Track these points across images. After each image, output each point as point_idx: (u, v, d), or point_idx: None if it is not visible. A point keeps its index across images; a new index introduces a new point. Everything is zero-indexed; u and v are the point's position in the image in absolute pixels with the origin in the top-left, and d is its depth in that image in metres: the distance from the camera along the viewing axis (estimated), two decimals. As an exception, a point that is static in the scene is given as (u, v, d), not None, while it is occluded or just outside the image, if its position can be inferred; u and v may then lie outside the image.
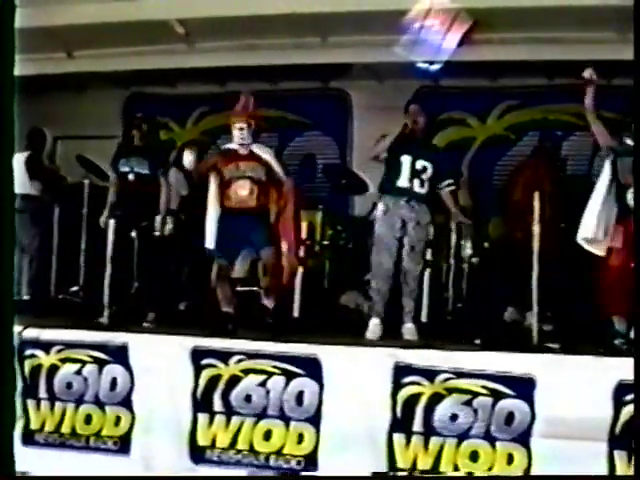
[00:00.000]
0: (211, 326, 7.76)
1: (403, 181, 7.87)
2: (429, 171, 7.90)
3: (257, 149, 8.25)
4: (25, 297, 9.76)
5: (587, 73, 7.28)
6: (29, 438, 7.57)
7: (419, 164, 7.87)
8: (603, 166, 7.37)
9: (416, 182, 7.86)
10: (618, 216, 7.11)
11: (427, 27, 8.55)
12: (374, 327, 7.76)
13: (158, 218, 8.62)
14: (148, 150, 8.90)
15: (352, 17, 9.00)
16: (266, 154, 8.29)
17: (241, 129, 8.18)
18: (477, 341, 7.26)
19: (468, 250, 9.03)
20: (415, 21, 8.49)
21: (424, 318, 8.45)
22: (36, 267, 9.87)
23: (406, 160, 7.88)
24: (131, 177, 8.78)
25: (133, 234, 8.64)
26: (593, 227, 7.15)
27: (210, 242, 8.15)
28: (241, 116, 8.27)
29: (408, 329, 7.76)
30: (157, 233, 8.60)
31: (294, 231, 8.34)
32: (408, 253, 7.78)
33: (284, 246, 8.19)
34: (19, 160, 9.93)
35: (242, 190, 8.05)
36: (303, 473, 6.85)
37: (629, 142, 7.19)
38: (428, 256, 8.50)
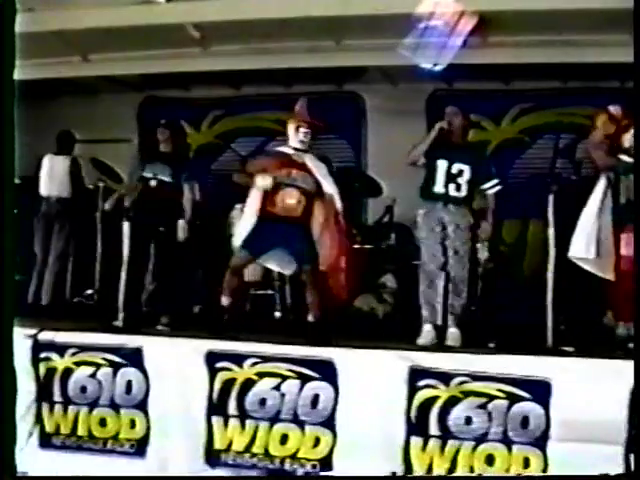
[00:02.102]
0: (209, 320, 7.79)
1: (439, 187, 7.81)
2: (466, 174, 7.82)
3: (311, 162, 8.11)
4: (45, 300, 9.84)
5: (614, 109, 7.29)
6: (46, 441, 7.61)
7: (455, 168, 7.80)
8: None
9: (451, 186, 7.78)
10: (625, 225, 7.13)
11: (440, 30, 8.56)
12: (427, 333, 7.70)
13: (181, 223, 8.62)
14: (172, 156, 8.91)
15: (366, 20, 8.99)
16: (319, 169, 8.15)
17: (305, 134, 8.10)
18: (492, 344, 7.26)
19: (485, 253, 8.99)
20: (428, 24, 8.50)
21: (439, 321, 8.43)
22: (59, 269, 9.96)
23: (442, 165, 7.81)
24: (153, 183, 8.79)
25: (150, 239, 8.67)
26: (583, 246, 7.19)
27: (237, 240, 8.04)
28: (305, 120, 8.17)
29: (452, 334, 7.69)
30: (181, 238, 8.62)
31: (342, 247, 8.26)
32: (453, 256, 7.73)
33: (332, 258, 8.09)
34: (62, 163, 10.06)
35: (290, 199, 7.91)
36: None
37: (627, 160, 7.24)
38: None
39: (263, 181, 7.92)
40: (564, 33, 8.92)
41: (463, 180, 7.83)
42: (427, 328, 7.73)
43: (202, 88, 12.17)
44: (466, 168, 7.82)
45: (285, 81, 11.69)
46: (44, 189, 10.13)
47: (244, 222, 8.09)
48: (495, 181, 7.97)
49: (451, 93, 11.22)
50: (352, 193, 10.58)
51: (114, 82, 11.68)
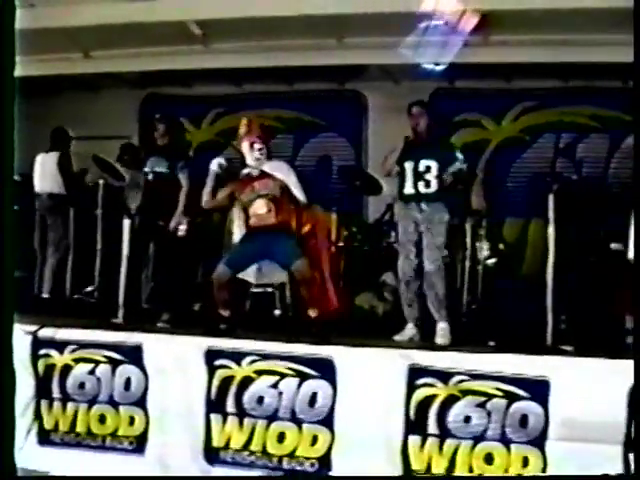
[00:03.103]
0: (206, 325, 7.81)
1: (408, 188, 7.92)
2: (434, 170, 7.85)
3: (269, 167, 8.22)
4: (45, 295, 9.87)
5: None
6: (45, 438, 7.62)
7: (422, 165, 7.85)
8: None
9: (420, 184, 7.85)
10: None
11: (442, 28, 8.56)
12: (407, 331, 7.81)
13: (177, 213, 8.64)
14: (169, 149, 8.92)
15: (368, 18, 8.99)
16: (279, 170, 8.27)
17: (260, 149, 8.18)
18: (491, 343, 7.26)
19: (484, 252, 8.99)
20: (430, 22, 8.51)
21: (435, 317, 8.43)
22: (58, 266, 9.99)
23: (409, 166, 7.91)
24: (150, 177, 8.80)
25: (150, 234, 8.68)
26: None
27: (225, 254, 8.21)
28: (257, 136, 8.27)
29: (441, 330, 7.69)
30: (181, 233, 8.63)
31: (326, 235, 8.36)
32: (429, 254, 7.76)
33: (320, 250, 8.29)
34: (52, 159, 10.08)
35: (260, 209, 8.01)
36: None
37: None
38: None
39: (215, 163, 8.19)
40: (566, 32, 8.93)
41: (432, 176, 7.87)
42: (408, 326, 7.83)
43: (203, 85, 12.19)
44: (433, 163, 7.86)
45: (287, 79, 11.71)
46: (37, 186, 10.17)
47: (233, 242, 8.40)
48: (458, 163, 7.93)
49: (452, 92, 11.23)
50: (353, 191, 10.62)
51: (115, 79, 11.70)
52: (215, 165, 8.16)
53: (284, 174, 8.26)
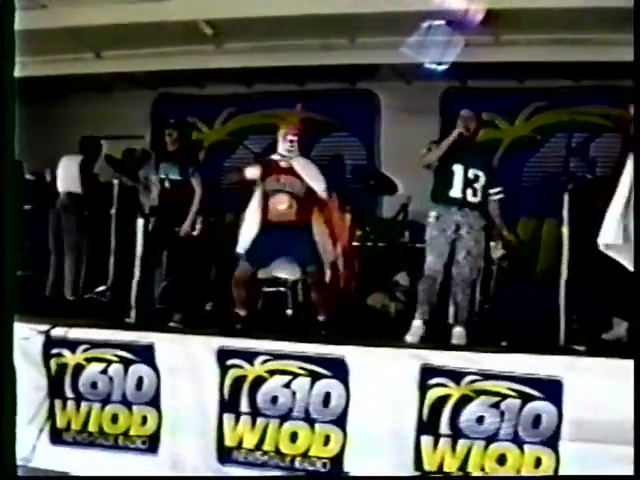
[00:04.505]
0: (221, 324, 7.81)
1: (456, 191, 7.70)
2: (482, 180, 7.75)
3: (299, 166, 8.18)
4: (69, 297, 9.92)
5: None
6: (58, 437, 7.63)
7: (471, 173, 7.72)
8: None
9: (469, 192, 7.71)
10: None
11: (454, 28, 8.55)
12: (416, 329, 7.61)
13: (190, 216, 8.64)
14: (180, 155, 8.91)
15: (380, 18, 8.98)
16: (306, 170, 8.20)
17: (292, 141, 8.20)
18: (504, 343, 7.25)
19: (499, 252, 8.96)
20: (441, 22, 8.50)
21: (451, 320, 8.42)
22: (77, 266, 10.02)
23: (458, 169, 7.72)
24: (167, 184, 8.80)
25: (165, 238, 8.69)
26: (613, 232, 7.05)
27: (241, 247, 8.08)
28: (293, 126, 8.34)
29: (457, 332, 7.61)
30: (196, 233, 8.66)
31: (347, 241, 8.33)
32: (465, 257, 7.64)
33: (338, 254, 8.26)
34: (75, 161, 10.14)
35: (281, 204, 8.01)
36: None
37: None
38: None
39: (251, 171, 8.18)
40: (578, 31, 8.90)
41: (479, 185, 7.76)
42: (417, 324, 7.62)
43: (215, 85, 12.19)
44: (481, 174, 7.76)
45: (298, 79, 11.70)
46: (59, 186, 10.24)
47: (244, 232, 8.17)
48: (499, 188, 7.90)
49: (464, 91, 11.21)
50: (366, 191, 10.61)
51: (127, 80, 11.72)
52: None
53: (312, 174, 8.21)
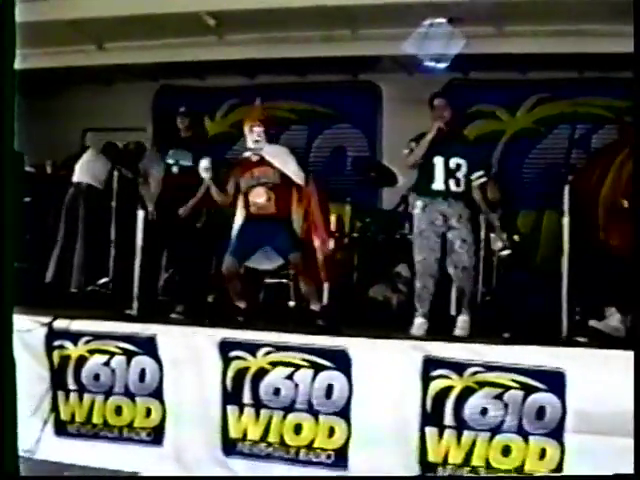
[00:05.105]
0: (222, 317, 7.82)
1: (438, 183, 7.68)
2: (463, 168, 7.72)
3: (268, 153, 8.21)
4: (73, 289, 9.93)
5: None
6: (62, 429, 7.65)
7: (452, 162, 7.69)
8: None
9: (452, 182, 7.68)
10: None
11: (456, 19, 8.55)
12: (419, 325, 7.59)
13: (191, 202, 8.64)
14: (192, 142, 8.90)
15: (382, 9, 8.97)
16: (276, 157, 8.22)
17: (259, 133, 8.22)
18: (506, 334, 7.24)
19: (499, 243, 8.95)
20: (443, 14, 8.50)
21: (453, 311, 8.42)
22: (87, 258, 10.03)
23: (439, 161, 7.69)
24: (175, 169, 8.79)
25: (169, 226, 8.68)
26: None
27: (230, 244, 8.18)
28: (257, 119, 8.31)
29: (462, 321, 7.59)
30: (199, 225, 8.69)
31: (324, 227, 8.30)
32: (461, 245, 7.59)
33: (316, 242, 8.17)
34: (101, 162, 10.19)
35: (258, 198, 8.08)
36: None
37: None
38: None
39: (219, 197, 8.34)
40: (581, 23, 8.88)
41: (461, 174, 7.73)
42: (419, 321, 7.61)
43: (217, 77, 12.18)
44: (462, 162, 7.73)
45: (300, 70, 11.69)
46: (78, 177, 10.25)
47: (234, 229, 8.29)
48: (480, 172, 7.87)
49: (467, 83, 11.20)
50: (367, 182, 10.61)
51: (129, 72, 11.71)
52: (203, 172, 8.23)
53: (283, 159, 8.24)
